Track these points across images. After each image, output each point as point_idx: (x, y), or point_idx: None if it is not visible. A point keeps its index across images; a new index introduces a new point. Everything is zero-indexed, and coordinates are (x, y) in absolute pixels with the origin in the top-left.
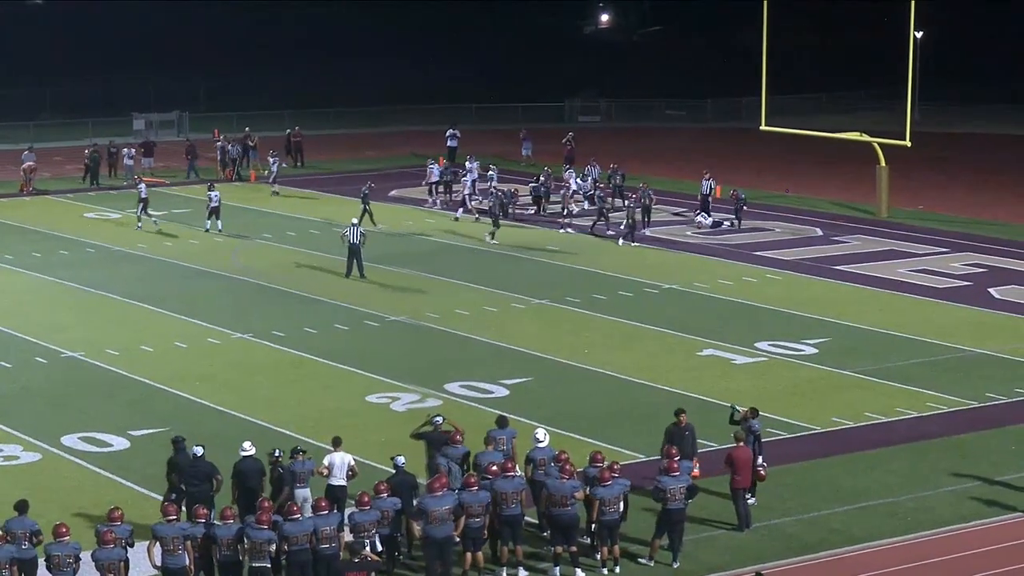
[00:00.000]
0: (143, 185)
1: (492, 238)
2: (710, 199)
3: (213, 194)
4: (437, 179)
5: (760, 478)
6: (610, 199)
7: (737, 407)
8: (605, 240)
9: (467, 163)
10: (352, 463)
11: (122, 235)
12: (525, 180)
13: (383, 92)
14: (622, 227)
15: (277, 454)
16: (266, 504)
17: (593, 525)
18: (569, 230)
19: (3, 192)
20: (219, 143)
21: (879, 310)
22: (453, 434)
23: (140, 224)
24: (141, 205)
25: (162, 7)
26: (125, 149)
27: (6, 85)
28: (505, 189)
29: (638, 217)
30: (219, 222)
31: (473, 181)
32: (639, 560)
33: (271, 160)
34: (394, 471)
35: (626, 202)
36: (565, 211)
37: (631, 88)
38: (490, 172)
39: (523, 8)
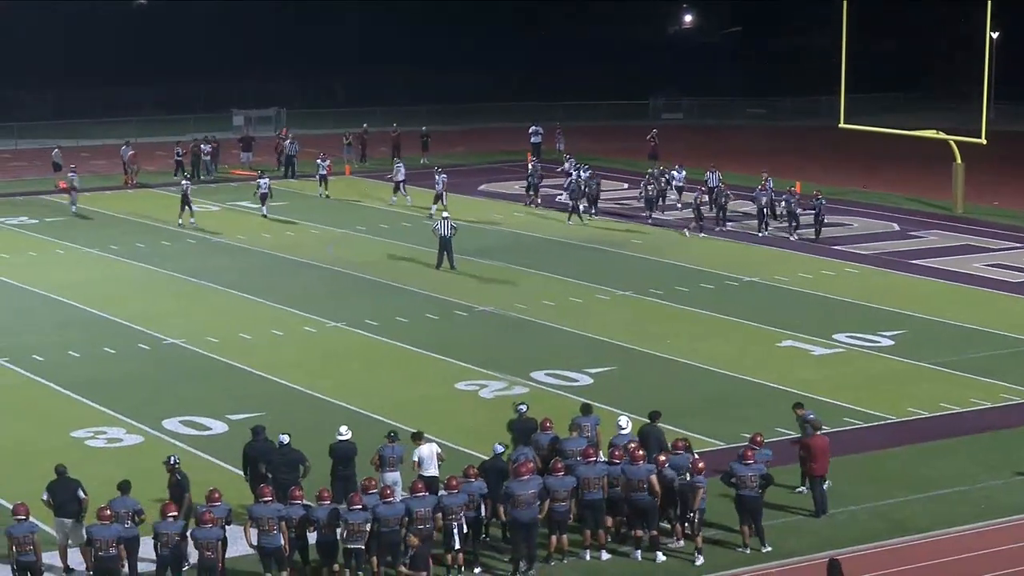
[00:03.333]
0: (264, 180)
1: (697, 232)
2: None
3: (263, 181)
4: (403, 178)
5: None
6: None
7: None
8: (692, 235)
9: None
10: (439, 451)
11: (222, 227)
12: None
13: (472, 90)
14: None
15: (172, 461)
16: (371, 482)
17: (678, 511)
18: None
19: (109, 184)
20: (286, 141)
21: (954, 303)
22: (544, 420)
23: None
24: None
25: (265, 6)
26: (202, 146)
27: (114, 83)
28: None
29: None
30: (264, 207)
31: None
32: (736, 548)
33: (318, 163)
34: (491, 456)
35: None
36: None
37: (713, 87)
38: (573, 164)
39: (611, 9)
